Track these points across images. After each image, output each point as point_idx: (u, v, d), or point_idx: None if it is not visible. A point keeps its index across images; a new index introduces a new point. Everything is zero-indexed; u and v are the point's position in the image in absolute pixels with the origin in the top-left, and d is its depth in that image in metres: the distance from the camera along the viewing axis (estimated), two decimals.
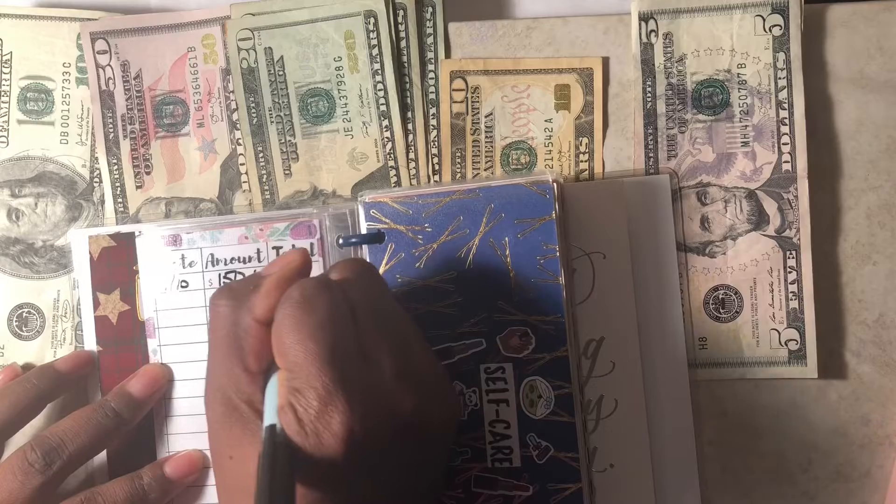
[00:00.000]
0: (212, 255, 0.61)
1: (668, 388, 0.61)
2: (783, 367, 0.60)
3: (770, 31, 0.60)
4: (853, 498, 0.61)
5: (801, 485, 0.61)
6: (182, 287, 0.61)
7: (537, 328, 0.57)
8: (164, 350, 0.61)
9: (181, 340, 0.61)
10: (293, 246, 0.60)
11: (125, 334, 0.61)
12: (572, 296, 0.59)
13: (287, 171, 0.63)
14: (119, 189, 0.64)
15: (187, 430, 0.61)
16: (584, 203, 0.60)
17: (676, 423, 0.61)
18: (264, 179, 0.63)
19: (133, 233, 0.62)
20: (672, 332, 0.61)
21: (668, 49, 0.61)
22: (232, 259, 0.61)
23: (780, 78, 0.60)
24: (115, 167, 0.64)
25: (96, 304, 0.62)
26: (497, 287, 0.58)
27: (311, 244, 0.60)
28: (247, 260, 0.61)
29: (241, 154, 0.64)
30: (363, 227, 0.59)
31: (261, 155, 0.63)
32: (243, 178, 0.64)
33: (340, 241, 0.60)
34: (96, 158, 0.64)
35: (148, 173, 0.64)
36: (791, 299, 0.60)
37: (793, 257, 0.60)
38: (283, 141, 0.63)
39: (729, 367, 0.61)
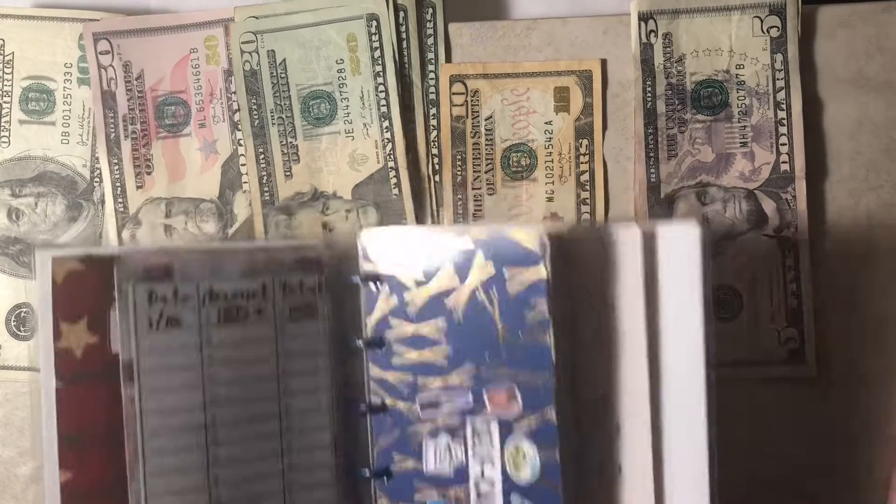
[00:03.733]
0: (210, 288, 0.55)
1: (683, 455, 0.54)
2: (783, 367, 0.60)
3: (768, 32, 0.60)
4: (854, 498, 0.61)
5: (801, 485, 0.61)
6: (172, 325, 0.54)
7: (525, 386, 0.55)
8: (143, 398, 0.53)
9: (168, 385, 0.54)
10: (300, 282, 0.57)
11: (92, 367, 0.54)
12: (564, 354, 0.55)
13: (288, 173, 0.63)
14: (119, 189, 0.64)
15: (170, 490, 0.54)
16: (591, 249, 0.57)
17: (692, 495, 0.55)
18: (264, 181, 0.64)
19: (111, 257, 0.54)
20: (691, 398, 0.54)
21: (668, 49, 0.61)
22: (234, 294, 0.56)
23: (777, 79, 0.60)
24: (116, 167, 0.64)
25: (57, 334, 0.53)
26: (486, 340, 0.55)
27: (318, 281, 0.57)
28: (251, 296, 0.56)
29: (242, 155, 0.64)
30: (363, 268, 0.57)
31: (261, 156, 0.63)
32: (244, 178, 0.64)
33: (350, 279, 0.58)
34: (97, 158, 0.64)
35: (149, 173, 0.64)
36: (790, 299, 0.60)
37: (792, 257, 0.60)
38: (284, 143, 0.63)
39: (729, 367, 0.60)
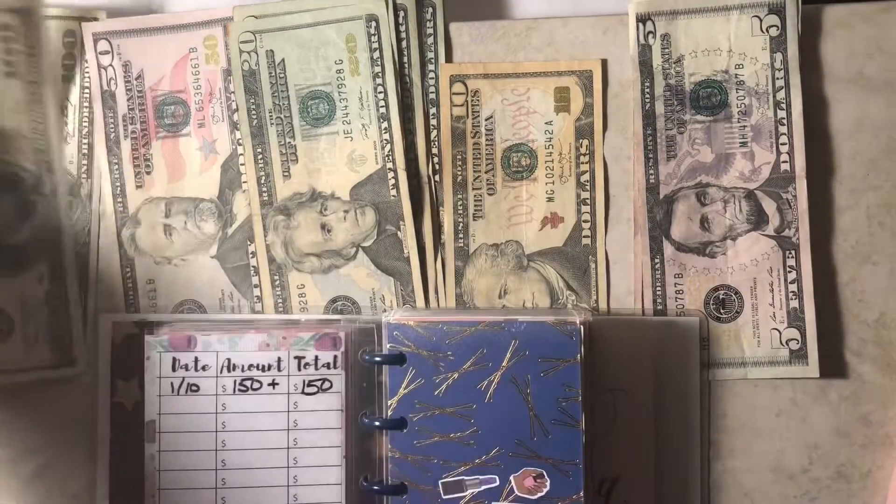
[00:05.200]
0: (228, 360, 0.59)
1: None
2: (784, 367, 0.60)
3: (767, 31, 0.60)
4: (854, 498, 0.60)
5: (801, 485, 0.61)
6: (192, 391, 0.59)
7: (553, 471, 0.56)
8: (163, 456, 0.59)
9: (185, 447, 0.59)
10: (316, 357, 0.59)
11: (140, 421, 0.59)
12: (592, 440, 0.58)
13: (286, 173, 0.63)
14: (119, 188, 0.64)
15: None
16: (610, 338, 0.60)
17: None
18: (262, 181, 0.63)
19: (153, 323, 0.61)
20: (690, 477, 0.60)
21: (666, 50, 0.61)
22: (250, 366, 0.59)
23: (777, 78, 0.60)
24: (116, 167, 0.64)
25: (114, 389, 0.60)
26: (516, 424, 0.56)
27: (335, 356, 0.59)
28: (266, 368, 0.59)
29: (242, 154, 0.64)
30: (386, 347, 0.58)
31: (260, 157, 0.63)
32: (243, 178, 0.64)
33: (366, 357, 0.59)
34: (84, 154, 0.64)
35: (148, 173, 0.64)
36: (791, 299, 0.60)
37: (792, 257, 0.60)
38: (282, 143, 0.63)
39: (730, 368, 0.61)
